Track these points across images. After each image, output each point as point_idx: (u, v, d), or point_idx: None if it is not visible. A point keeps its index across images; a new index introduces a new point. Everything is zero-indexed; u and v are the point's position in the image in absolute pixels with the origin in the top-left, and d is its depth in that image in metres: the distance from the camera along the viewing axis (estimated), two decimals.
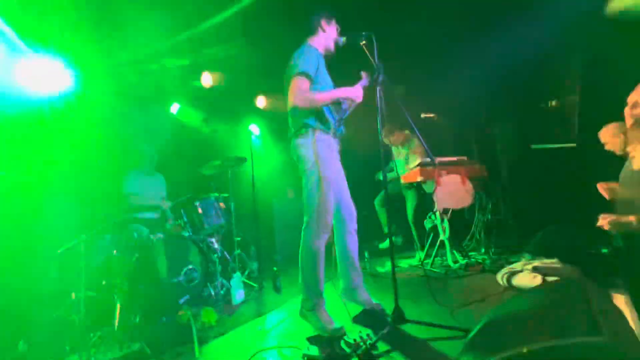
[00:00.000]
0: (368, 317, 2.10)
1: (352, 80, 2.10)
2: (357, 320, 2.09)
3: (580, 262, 2.31)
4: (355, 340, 1.66)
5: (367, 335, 1.69)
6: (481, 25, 3.75)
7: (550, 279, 2.25)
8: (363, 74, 2.17)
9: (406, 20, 3.61)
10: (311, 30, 2.09)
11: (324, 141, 1.95)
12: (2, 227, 1.83)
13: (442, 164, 3.10)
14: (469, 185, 3.15)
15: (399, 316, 1.85)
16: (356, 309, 2.19)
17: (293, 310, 2.40)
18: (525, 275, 2.32)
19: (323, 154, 1.93)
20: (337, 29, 2.13)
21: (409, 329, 1.82)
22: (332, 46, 2.12)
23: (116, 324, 2.11)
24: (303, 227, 1.97)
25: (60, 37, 2.74)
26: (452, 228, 3.18)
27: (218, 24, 3.70)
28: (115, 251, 2.70)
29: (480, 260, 3.11)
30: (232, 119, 4.49)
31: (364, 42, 2.01)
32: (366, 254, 3.52)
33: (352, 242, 2.15)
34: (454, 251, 3.19)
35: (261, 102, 4.85)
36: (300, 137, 1.96)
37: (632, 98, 1.89)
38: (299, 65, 1.89)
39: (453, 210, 3.21)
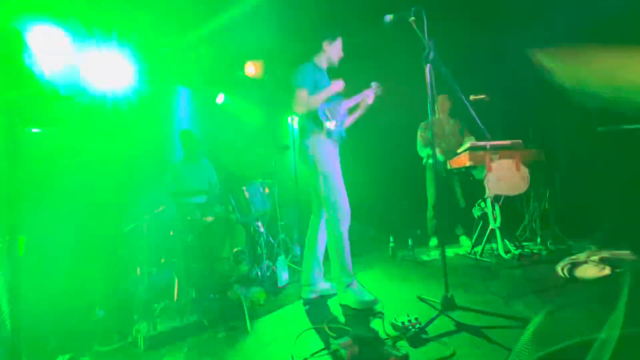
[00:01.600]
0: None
1: (394, 61, 2.07)
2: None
3: None
4: (403, 323, 1.65)
5: (416, 319, 1.67)
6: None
7: (619, 269, 2.04)
8: (373, 84, 2.48)
9: None
10: (315, 50, 2.46)
11: (321, 142, 2.27)
12: (81, 210, 2.04)
13: (494, 147, 2.91)
14: (524, 171, 2.93)
15: (450, 303, 1.79)
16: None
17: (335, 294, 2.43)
18: (591, 266, 2.13)
19: (322, 154, 2.26)
20: (339, 47, 2.46)
21: (460, 316, 1.76)
22: (334, 60, 2.47)
23: (175, 297, 2.28)
24: (327, 220, 2.28)
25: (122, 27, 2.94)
26: (504, 216, 3.00)
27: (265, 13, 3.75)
28: (171, 232, 2.92)
29: (535, 251, 2.91)
30: (274, 108, 4.57)
31: (413, 18, 1.92)
32: (410, 242, 3.45)
33: (323, 238, 2.43)
34: (506, 240, 3.01)
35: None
36: (304, 140, 2.32)
37: None
38: (297, 80, 2.26)
39: (505, 198, 3.02)
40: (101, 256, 2.76)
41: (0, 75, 0.78)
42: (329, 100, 2.32)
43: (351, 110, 2.54)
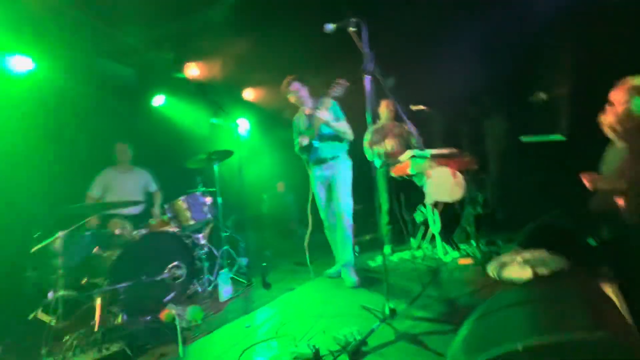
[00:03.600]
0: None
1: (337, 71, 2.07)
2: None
3: (570, 253, 2.31)
4: (344, 336, 1.62)
5: (357, 331, 1.65)
6: (470, 15, 3.72)
7: (540, 270, 2.24)
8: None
9: (396, 8, 3.54)
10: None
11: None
12: None
13: (433, 156, 3.06)
14: (460, 178, 3.12)
15: (391, 311, 1.81)
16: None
17: (282, 307, 2.35)
18: (515, 267, 2.29)
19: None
20: (295, 89, 2.83)
21: (399, 324, 1.78)
22: (300, 102, 2.87)
23: (96, 324, 2.01)
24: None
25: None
26: (443, 221, 3.17)
27: (205, 15, 3.58)
28: (96, 248, 2.60)
29: (470, 253, 3.10)
30: (217, 112, 4.36)
31: (353, 29, 1.93)
32: (356, 248, 3.48)
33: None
34: (444, 244, 3.17)
35: (249, 94, 4.74)
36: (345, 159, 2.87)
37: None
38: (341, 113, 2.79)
39: (445, 204, 3.18)
40: (5, 280, 2.36)
41: None
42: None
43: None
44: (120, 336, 1.80)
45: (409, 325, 1.75)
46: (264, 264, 3.08)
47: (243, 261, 3.47)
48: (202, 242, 3.00)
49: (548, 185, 3.63)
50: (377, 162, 3.89)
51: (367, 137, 3.97)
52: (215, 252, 3.22)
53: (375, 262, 3.37)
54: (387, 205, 3.69)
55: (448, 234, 3.33)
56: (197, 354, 1.78)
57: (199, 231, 3.12)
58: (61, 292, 2.10)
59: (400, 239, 3.82)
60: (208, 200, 3.13)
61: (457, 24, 3.80)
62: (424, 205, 3.21)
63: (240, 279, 3.04)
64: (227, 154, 3.31)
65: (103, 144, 3.24)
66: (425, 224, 3.28)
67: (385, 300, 1.84)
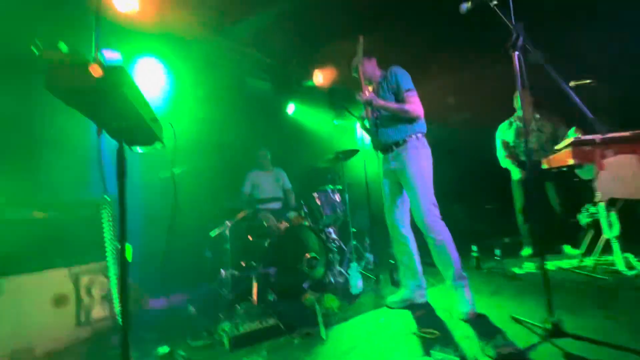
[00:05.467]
0: None
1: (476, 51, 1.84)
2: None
3: None
4: (495, 346, 1.45)
5: (509, 343, 1.45)
6: None
7: None
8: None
9: None
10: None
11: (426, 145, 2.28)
12: (174, 217, 2.31)
13: (607, 141, 2.42)
14: None
15: (555, 327, 1.52)
16: None
17: (415, 308, 2.28)
18: None
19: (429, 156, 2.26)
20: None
21: (568, 345, 1.48)
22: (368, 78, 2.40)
23: (254, 300, 2.41)
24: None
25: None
26: (623, 224, 2.46)
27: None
28: (250, 237, 3.12)
29: None
30: (344, 114, 4.58)
31: (494, 2, 1.71)
32: (497, 252, 3.09)
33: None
34: (629, 254, 2.46)
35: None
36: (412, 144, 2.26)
37: None
38: (409, 83, 2.24)
39: (624, 202, 2.48)
40: (194, 258, 3.10)
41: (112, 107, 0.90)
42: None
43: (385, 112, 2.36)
44: (274, 312, 2.10)
45: (584, 349, 1.43)
46: (392, 261, 3.06)
47: (370, 257, 3.54)
48: (334, 236, 3.21)
49: None
50: (514, 174, 3.38)
51: (502, 134, 3.46)
52: (344, 246, 3.39)
53: (522, 268, 2.90)
54: (521, 202, 3.15)
55: (634, 242, 2.57)
56: (338, 338, 1.90)
57: (329, 226, 3.35)
58: (230, 271, 2.62)
59: (551, 244, 3.19)
60: (337, 196, 3.32)
61: None
62: (594, 204, 2.57)
63: (369, 274, 3.11)
64: (353, 152, 3.43)
65: (252, 148, 3.85)
66: (595, 226, 2.63)
67: (547, 312, 1.55)
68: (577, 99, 1.65)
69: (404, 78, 2.24)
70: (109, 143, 1.13)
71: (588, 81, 2.71)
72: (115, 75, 0.81)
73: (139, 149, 1.31)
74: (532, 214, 3.20)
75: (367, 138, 3.80)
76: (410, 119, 2.20)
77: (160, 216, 2.33)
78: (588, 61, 3.18)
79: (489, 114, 3.63)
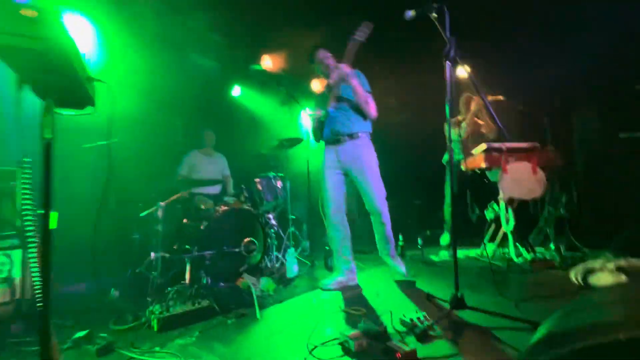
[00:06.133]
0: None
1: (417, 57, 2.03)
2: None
3: None
4: (412, 319, 1.66)
5: (425, 316, 1.68)
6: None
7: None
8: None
9: None
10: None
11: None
12: (103, 192, 2.10)
13: (510, 150, 2.87)
14: (540, 175, 2.89)
15: (459, 302, 1.79)
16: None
17: (343, 287, 2.45)
18: (607, 274, 2.09)
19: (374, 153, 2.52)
20: (319, 60, 2.57)
21: (468, 316, 1.76)
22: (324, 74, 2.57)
23: (187, 282, 2.34)
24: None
25: None
26: (517, 220, 2.96)
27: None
28: (185, 219, 2.98)
29: (548, 257, 2.87)
30: (289, 101, 4.58)
31: (434, 14, 1.90)
32: (420, 241, 3.44)
33: (374, 228, 2.57)
34: (518, 244, 2.97)
35: (316, 85, 4.88)
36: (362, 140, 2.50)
37: None
38: (367, 86, 2.47)
39: (519, 202, 2.98)
40: (118, 239, 2.85)
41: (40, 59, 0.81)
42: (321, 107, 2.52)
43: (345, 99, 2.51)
44: (208, 294, 2.07)
45: (480, 318, 1.72)
46: (327, 247, 3.22)
47: (306, 244, 3.67)
48: (272, 222, 3.24)
49: None
50: (452, 154, 3.70)
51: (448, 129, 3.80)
52: (282, 233, 3.45)
53: (439, 256, 3.30)
54: (451, 196, 3.56)
55: (522, 234, 3.11)
56: (272, 318, 1.97)
57: (269, 212, 3.37)
58: (160, 253, 2.48)
59: (465, 236, 3.66)
60: (279, 183, 3.35)
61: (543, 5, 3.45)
62: (497, 202, 3.03)
63: (304, 260, 3.23)
64: (297, 141, 3.49)
65: (193, 129, 3.64)
66: (497, 221, 3.11)
67: (454, 289, 1.82)
68: (491, 110, 1.93)
69: (365, 80, 2.48)
70: (29, 101, 1.01)
71: (501, 97, 3.17)
72: (51, 20, 0.73)
73: (65, 112, 1.19)
74: (456, 207, 3.58)
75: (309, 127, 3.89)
76: (364, 116, 2.42)
77: (85, 192, 2.11)
78: (505, 79, 3.69)
79: (424, 117, 3.99)
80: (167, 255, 2.57)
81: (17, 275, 1.99)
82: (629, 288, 1.27)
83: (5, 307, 1.96)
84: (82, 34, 2.70)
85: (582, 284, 2.17)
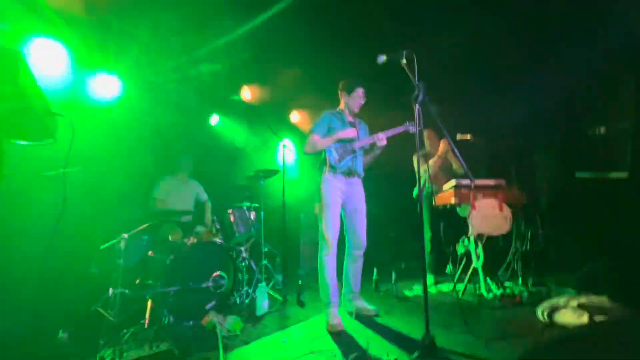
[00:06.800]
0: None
1: (392, 99, 2.15)
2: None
3: (633, 301, 2.11)
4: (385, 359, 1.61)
5: (396, 357, 1.63)
6: (522, 44, 3.68)
7: (598, 317, 2.07)
8: (407, 123, 2.63)
9: (443, 36, 3.60)
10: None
11: (328, 180, 2.51)
12: (57, 222, 1.95)
13: (478, 187, 2.99)
14: (507, 212, 3.01)
15: (431, 344, 1.76)
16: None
17: (317, 326, 2.37)
18: (569, 312, 2.14)
19: (323, 189, 2.50)
20: (359, 96, 2.66)
21: (440, 356, 1.73)
22: (354, 108, 2.69)
23: (146, 322, 2.17)
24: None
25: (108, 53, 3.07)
26: (486, 255, 3.03)
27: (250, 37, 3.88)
28: (150, 252, 2.82)
29: (517, 292, 2.92)
30: (266, 133, 4.62)
31: (404, 61, 2.03)
32: (393, 275, 3.42)
33: (353, 263, 2.66)
34: (488, 280, 3.02)
35: (295, 117, 4.98)
36: (317, 177, 2.59)
37: None
38: (312, 126, 2.58)
39: (487, 237, 3.06)
40: (72, 273, 2.63)
41: None
42: (342, 141, 2.57)
43: (367, 151, 2.74)
44: (168, 336, 1.93)
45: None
46: (300, 282, 3.14)
47: (279, 277, 3.55)
48: (244, 255, 3.13)
49: (605, 226, 3.36)
50: (422, 188, 3.78)
51: (416, 162, 3.95)
52: (253, 266, 3.33)
53: (412, 291, 3.28)
54: (430, 233, 3.61)
55: (491, 269, 3.18)
56: None
57: (241, 244, 3.27)
58: (119, 289, 2.31)
59: (439, 270, 3.69)
60: (252, 214, 3.29)
61: (506, 51, 3.76)
62: (467, 238, 3.11)
63: (276, 295, 3.11)
64: (273, 172, 3.48)
65: (166, 156, 3.53)
66: (467, 256, 3.17)
67: (425, 329, 1.80)
68: (455, 149, 2.02)
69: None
70: None
71: (468, 136, 3.34)
72: (11, 59, 0.71)
73: (22, 142, 1.13)
74: (435, 244, 3.63)
75: (289, 159, 3.89)
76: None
77: (39, 223, 1.96)
78: (469, 121, 3.93)
79: (395, 148, 4.11)
80: (126, 291, 2.39)
81: None
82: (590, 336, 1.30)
83: None
84: (53, 59, 2.65)
85: (548, 320, 2.21)
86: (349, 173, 2.59)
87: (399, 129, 2.62)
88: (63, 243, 2.14)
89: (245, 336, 2.22)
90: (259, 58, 4.12)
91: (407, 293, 3.23)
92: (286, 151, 3.64)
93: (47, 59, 2.57)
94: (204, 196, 3.62)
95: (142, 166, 3.38)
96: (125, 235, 2.40)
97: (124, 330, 1.92)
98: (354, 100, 2.65)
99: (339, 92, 2.72)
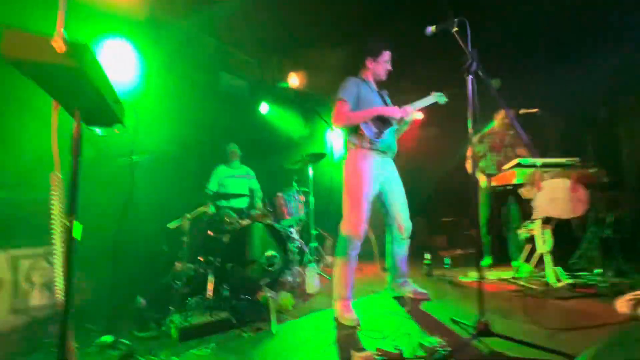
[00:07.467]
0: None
1: (439, 72, 2.01)
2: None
3: None
4: (431, 343, 1.57)
5: (444, 341, 1.58)
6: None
7: None
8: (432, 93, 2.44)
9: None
10: (358, 68, 2.46)
11: (364, 157, 2.24)
12: (131, 205, 2.23)
13: (546, 165, 2.69)
14: (582, 193, 2.66)
15: (484, 328, 1.66)
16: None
17: (366, 306, 2.38)
18: None
19: (351, 168, 2.24)
20: (385, 60, 2.41)
21: (495, 344, 1.63)
22: (381, 75, 2.43)
23: (208, 294, 2.39)
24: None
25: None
26: (556, 241, 2.74)
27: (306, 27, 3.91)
28: (210, 232, 3.08)
29: (593, 282, 2.61)
30: (314, 118, 4.66)
31: (455, 29, 1.87)
32: (447, 261, 3.28)
33: (398, 247, 2.47)
34: (559, 268, 2.73)
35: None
36: (347, 153, 2.33)
37: None
38: (339, 92, 2.25)
39: (559, 221, 2.76)
40: (149, 250, 3.00)
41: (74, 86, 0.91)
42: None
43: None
44: (227, 306, 2.11)
45: (506, 347, 1.58)
46: None
47: (329, 259, 3.63)
48: (295, 236, 3.25)
49: None
50: (482, 183, 3.54)
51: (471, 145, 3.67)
52: (304, 247, 3.44)
53: (468, 277, 3.12)
54: (487, 214, 3.37)
55: (562, 257, 2.86)
56: (287, 333, 1.95)
57: (292, 226, 3.39)
58: (185, 264, 2.57)
59: (501, 258, 3.44)
60: (302, 198, 3.38)
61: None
62: (532, 221, 2.83)
63: (325, 276, 3.19)
64: (320, 156, 3.52)
65: (220, 143, 3.80)
66: (532, 242, 2.89)
67: (479, 315, 1.70)
68: (517, 124, 1.83)
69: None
70: (66, 120, 1.12)
71: (535, 110, 3.01)
72: (79, 52, 0.82)
73: (97, 130, 1.29)
74: (494, 226, 3.41)
75: (336, 144, 3.90)
76: None
77: (114, 206, 2.26)
78: (537, 93, 3.52)
79: (451, 130, 3.87)
80: (191, 266, 2.65)
81: (59, 279, 2.15)
82: None
83: (45, 311, 2.12)
84: (122, 58, 2.96)
85: (632, 313, 1.94)
86: (387, 149, 2.32)
87: (430, 99, 2.41)
88: (135, 224, 2.44)
89: (296, 311, 2.33)
90: (305, 43, 4.16)
91: (462, 279, 3.07)
92: (334, 135, 3.65)
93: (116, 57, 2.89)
94: (255, 185, 3.83)
95: (200, 154, 3.69)
96: (189, 216, 2.64)
97: (189, 299, 2.14)
98: (380, 65, 2.37)
99: (364, 58, 2.41)
